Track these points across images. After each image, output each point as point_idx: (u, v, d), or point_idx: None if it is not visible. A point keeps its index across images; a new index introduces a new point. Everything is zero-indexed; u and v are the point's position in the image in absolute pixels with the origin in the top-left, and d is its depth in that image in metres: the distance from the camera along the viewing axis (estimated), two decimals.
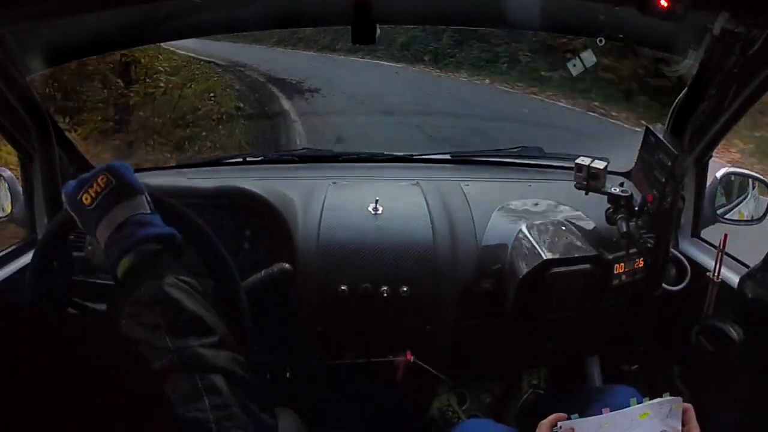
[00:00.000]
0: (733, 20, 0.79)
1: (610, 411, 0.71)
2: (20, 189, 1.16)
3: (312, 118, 5.82)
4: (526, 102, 6.05)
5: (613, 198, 1.07)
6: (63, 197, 0.73)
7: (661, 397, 0.71)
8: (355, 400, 1.20)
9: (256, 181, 1.17)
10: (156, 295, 0.62)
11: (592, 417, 0.72)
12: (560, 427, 0.73)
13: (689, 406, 0.71)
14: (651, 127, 1.05)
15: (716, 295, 1.04)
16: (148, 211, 0.70)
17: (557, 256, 1.01)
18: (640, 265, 1.09)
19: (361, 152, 1.50)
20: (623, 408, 0.72)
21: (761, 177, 1.17)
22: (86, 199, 0.69)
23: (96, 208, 0.69)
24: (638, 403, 0.71)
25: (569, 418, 0.73)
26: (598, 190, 1.07)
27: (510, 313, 1.07)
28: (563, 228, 1.10)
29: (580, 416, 0.73)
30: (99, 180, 0.70)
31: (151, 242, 0.67)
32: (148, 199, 0.71)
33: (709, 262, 1.09)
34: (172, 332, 0.59)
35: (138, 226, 0.68)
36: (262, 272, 1.01)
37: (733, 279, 1.06)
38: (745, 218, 1.19)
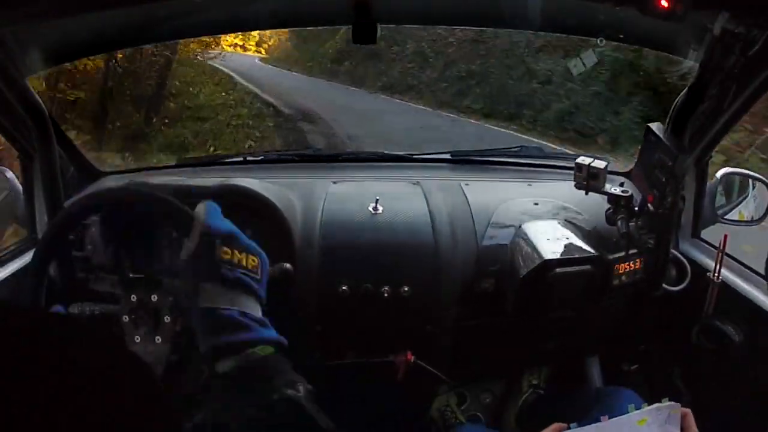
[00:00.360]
0: (733, 20, 0.79)
1: (609, 417, 0.71)
2: (20, 189, 1.16)
3: None
4: None
5: (613, 198, 1.07)
6: (205, 215, 0.66)
7: (660, 402, 0.71)
8: (355, 400, 1.20)
9: (256, 180, 1.17)
10: (290, 406, 0.59)
11: (590, 426, 0.72)
12: None
13: (688, 410, 0.71)
14: (652, 126, 1.05)
15: (716, 296, 1.05)
16: (260, 315, 0.67)
17: (557, 256, 1.01)
18: (641, 266, 1.09)
19: (361, 152, 1.50)
20: (622, 412, 0.71)
21: (762, 177, 1.17)
22: (225, 254, 0.64)
23: (225, 273, 0.64)
24: (636, 409, 0.71)
25: (569, 427, 0.73)
26: (598, 190, 1.07)
27: (510, 313, 1.07)
28: (563, 228, 1.10)
29: (579, 421, 0.73)
30: (250, 258, 0.66)
31: (260, 345, 0.63)
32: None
33: (709, 262, 1.09)
34: None
35: (247, 327, 0.64)
36: None
37: (734, 279, 1.06)
38: (745, 218, 1.18)
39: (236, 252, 0.66)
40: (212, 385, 0.63)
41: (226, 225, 0.68)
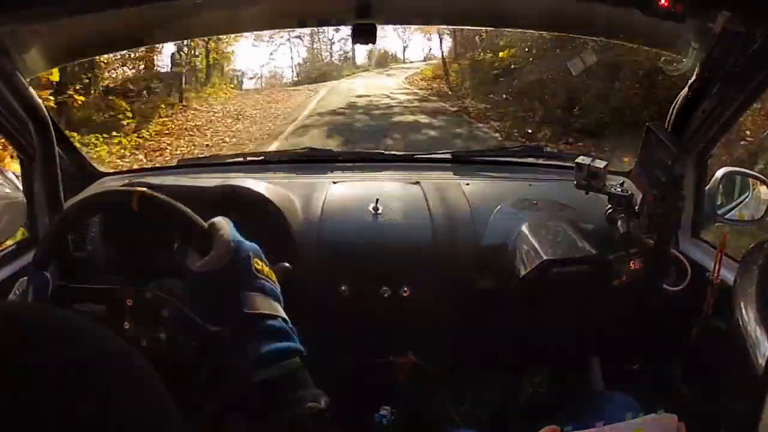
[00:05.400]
0: (733, 20, 0.79)
1: (605, 423, 0.71)
2: (20, 189, 1.16)
3: None
4: None
5: (613, 198, 1.07)
6: (230, 231, 0.68)
7: (656, 413, 0.71)
8: (355, 401, 1.20)
9: (256, 180, 1.17)
10: (314, 419, 0.59)
11: (586, 431, 0.72)
12: None
13: (682, 424, 0.71)
14: (652, 126, 1.05)
15: (716, 296, 1.04)
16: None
17: (557, 256, 1.01)
18: (641, 266, 1.09)
19: (362, 152, 1.50)
20: (619, 419, 0.71)
21: (762, 177, 1.17)
22: (257, 265, 0.67)
23: (262, 283, 0.66)
24: (633, 417, 0.71)
25: (563, 430, 0.73)
26: (599, 190, 1.07)
27: (510, 313, 1.07)
28: (563, 228, 1.10)
29: (578, 422, 0.73)
30: (271, 271, 0.70)
31: (296, 356, 0.63)
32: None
33: (709, 262, 1.09)
34: None
35: (280, 334, 0.64)
36: None
37: (733, 279, 1.05)
38: (745, 218, 1.18)
39: (264, 265, 0.68)
40: (245, 395, 0.63)
41: (249, 242, 0.70)
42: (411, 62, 14.59)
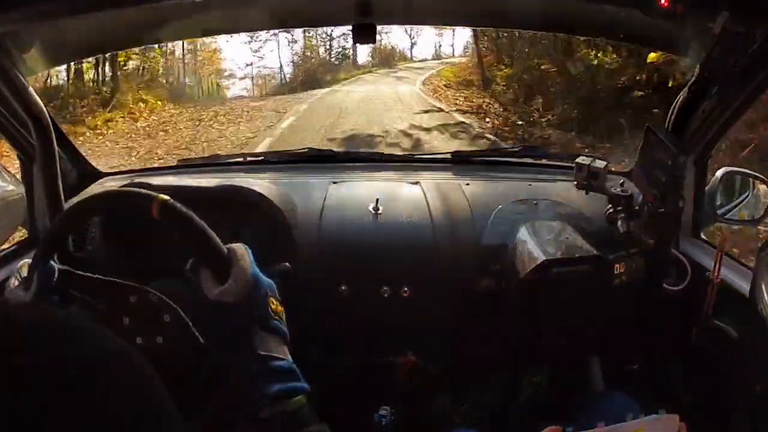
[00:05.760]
0: (733, 20, 0.79)
1: (605, 423, 0.71)
2: (20, 189, 1.16)
3: None
4: None
5: (613, 198, 1.08)
6: (250, 265, 0.66)
7: (657, 413, 0.71)
8: (354, 401, 1.20)
9: (256, 180, 1.17)
10: None
11: (586, 431, 0.72)
12: None
13: (683, 425, 0.71)
14: (652, 126, 1.05)
15: (716, 295, 1.04)
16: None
17: (557, 256, 1.01)
18: (641, 266, 1.09)
19: (362, 152, 1.50)
20: (620, 420, 0.71)
21: (762, 177, 1.17)
22: (272, 304, 0.67)
23: (275, 324, 0.66)
24: (634, 418, 0.71)
25: (563, 431, 0.73)
26: (599, 190, 1.07)
27: (510, 313, 1.07)
28: (563, 228, 1.10)
29: (578, 422, 0.73)
30: (279, 305, 0.69)
31: (301, 394, 0.63)
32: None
33: (709, 262, 1.09)
34: None
35: (287, 374, 0.64)
36: None
37: (733, 279, 1.06)
38: (745, 218, 1.18)
39: (278, 304, 0.68)
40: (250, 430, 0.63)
41: (266, 277, 0.69)
42: (421, 60, 12.64)
